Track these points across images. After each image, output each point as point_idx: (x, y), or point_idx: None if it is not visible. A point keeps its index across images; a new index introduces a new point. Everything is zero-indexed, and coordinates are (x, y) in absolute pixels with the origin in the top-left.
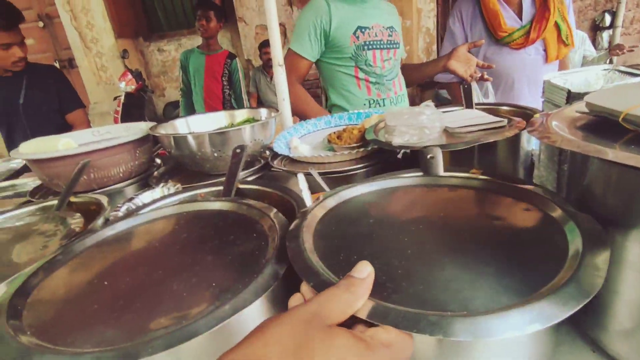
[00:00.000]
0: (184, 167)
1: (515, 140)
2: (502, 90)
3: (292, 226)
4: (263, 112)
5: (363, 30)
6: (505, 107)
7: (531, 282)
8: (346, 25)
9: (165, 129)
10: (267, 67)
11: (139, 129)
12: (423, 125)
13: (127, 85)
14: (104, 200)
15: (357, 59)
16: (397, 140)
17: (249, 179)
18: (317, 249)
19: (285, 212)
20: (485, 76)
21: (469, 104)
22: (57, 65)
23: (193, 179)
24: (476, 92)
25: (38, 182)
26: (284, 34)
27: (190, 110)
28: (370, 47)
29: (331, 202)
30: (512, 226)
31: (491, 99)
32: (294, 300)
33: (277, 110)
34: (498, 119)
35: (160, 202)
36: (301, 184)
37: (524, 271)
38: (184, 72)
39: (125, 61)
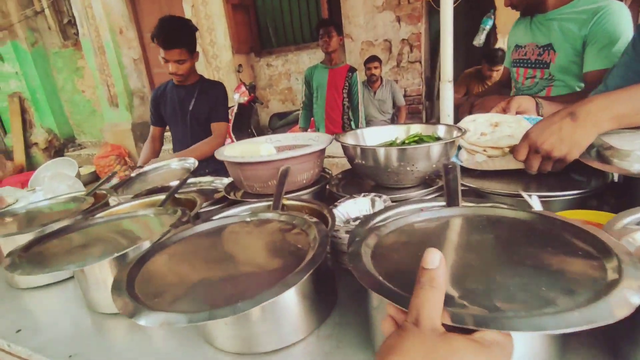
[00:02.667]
0: (358, 178)
1: None
2: None
3: None
4: (441, 129)
5: (517, 48)
6: None
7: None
8: (512, 43)
9: (346, 139)
10: (370, 82)
11: (308, 138)
12: None
13: (241, 96)
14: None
15: (511, 72)
16: (637, 167)
17: (432, 196)
18: None
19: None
20: None
21: None
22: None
23: (367, 190)
24: None
25: (212, 184)
26: (389, 50)
27: (309, 122)
28: (516, 64)
29: None
30: None
31: None
32: (387, 325)
33: (461, 129)
34: None
35: (395, 221)
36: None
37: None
38: (307, 86)
39: (239, 75)
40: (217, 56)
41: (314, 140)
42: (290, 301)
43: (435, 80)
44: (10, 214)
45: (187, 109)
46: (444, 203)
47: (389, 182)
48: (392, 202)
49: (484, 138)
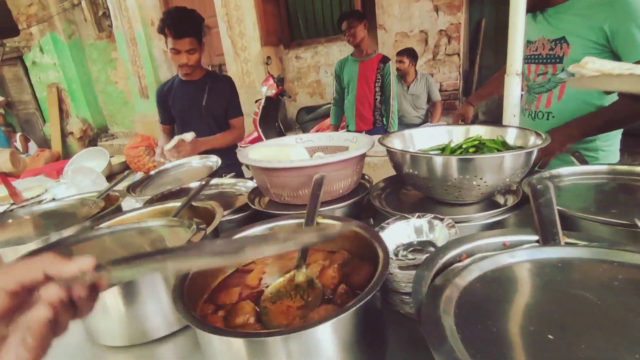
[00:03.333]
0: (404, 188)
1: None
2: None
3: None
4: (510, 132)
5: (528, 44)
6: None
7: None
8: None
9: (392, 142)
10: (400, 75)
11: (344, 139)
12: None
13: (269, 89)
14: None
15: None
16: None
17: (501, 217)
18: None
19: None
20: None
21: None
22: (209, 69)
23: (416, 204)
24: None
25: (234, 186)
26: (425, 41)
27: (341, 119)
28: (527, 60)
29: None
30: None
31: None
32: None
33: (541, 135)
34: None
35: (478, 263)
36: None
37: None
38: (337, 81)
39: (267, 67)
40: (245, 48)
41: (351, 141)
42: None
43: (473, 75)
44: (15, 216)
45: (200, 105)
46: (531, 235)
47: (446, 197)
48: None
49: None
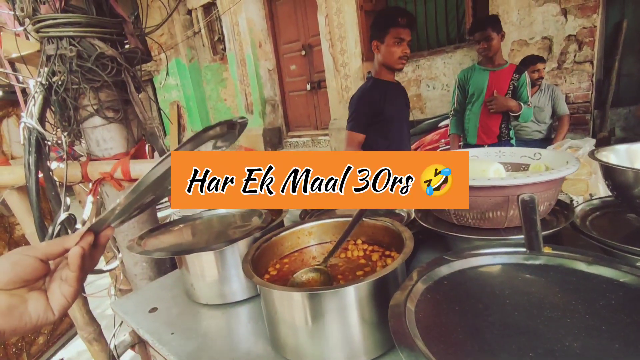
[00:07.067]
0: (619, 213)
1: None
2: None
3: None
4: None
5: None
6: None
7: None
8: None
9: (608, 158)
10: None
11: (520, 155)
12: None
13: None
14: None
15: None
16: None
17: None
18: None
19: None
20: None
21: None
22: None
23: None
24: None
25: None
26: (548, 49)
27: (461, 129)
28: None
29: None
30: None
31: None
32: None
33: None
34: None
35: None
36: None
37: None
38: (460, 90)
39: None
40: (346, 64)
41: (531, 158)
42: None
43: (610, 84)
44: (193, 219)
45: (406, 106)
46: None
47: None
48: None
49: None
